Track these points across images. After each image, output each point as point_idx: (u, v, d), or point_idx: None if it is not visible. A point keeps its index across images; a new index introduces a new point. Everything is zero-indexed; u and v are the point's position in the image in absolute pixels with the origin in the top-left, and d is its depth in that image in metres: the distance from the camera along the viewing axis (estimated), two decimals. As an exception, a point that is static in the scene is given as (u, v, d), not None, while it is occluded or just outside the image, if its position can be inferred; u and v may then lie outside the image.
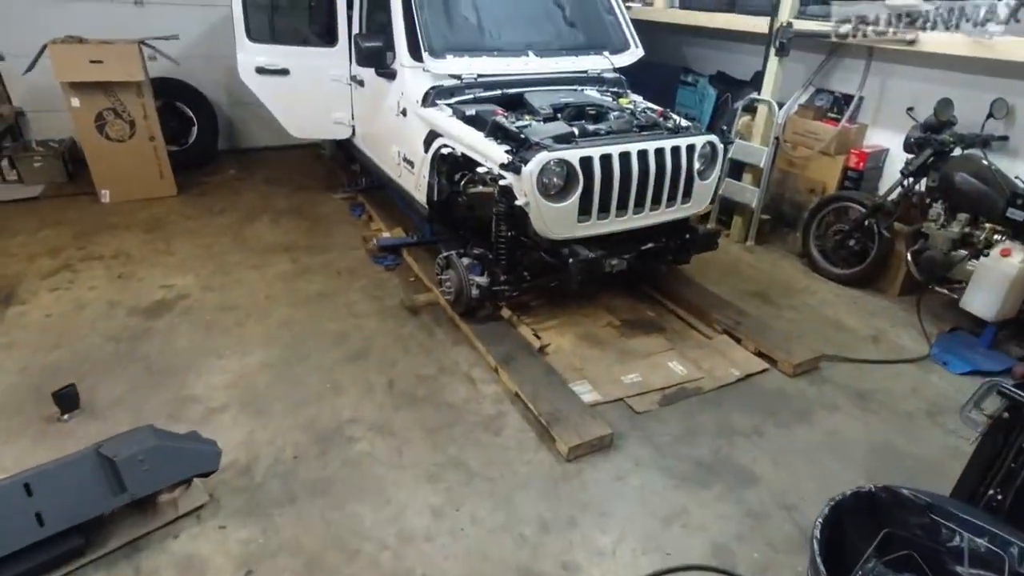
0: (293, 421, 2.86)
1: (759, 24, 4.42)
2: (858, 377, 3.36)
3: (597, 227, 3.21)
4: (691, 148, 3.36)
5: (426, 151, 3.74)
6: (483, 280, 3.47)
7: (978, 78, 3.89)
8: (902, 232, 4.14)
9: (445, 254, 3.61)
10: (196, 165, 6.13)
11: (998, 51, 3.25)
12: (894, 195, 4.00)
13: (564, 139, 3.14)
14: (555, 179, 3.08)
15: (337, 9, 4.59)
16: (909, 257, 3.85)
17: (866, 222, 4.10)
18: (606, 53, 4.16)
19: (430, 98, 3.66)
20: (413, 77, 3.81)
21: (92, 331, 3.48)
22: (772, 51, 4.38)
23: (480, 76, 3.75)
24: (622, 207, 3.24)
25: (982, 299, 3.35)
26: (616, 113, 3.54)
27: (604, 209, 3.18)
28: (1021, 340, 3.54)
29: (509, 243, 3.43)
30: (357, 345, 3.47)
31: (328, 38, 4.72)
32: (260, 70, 4.64)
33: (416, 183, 3.96)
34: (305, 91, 4.78)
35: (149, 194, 5.36)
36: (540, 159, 2.92)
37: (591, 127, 3.27)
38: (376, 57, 3.85)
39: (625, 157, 3.13)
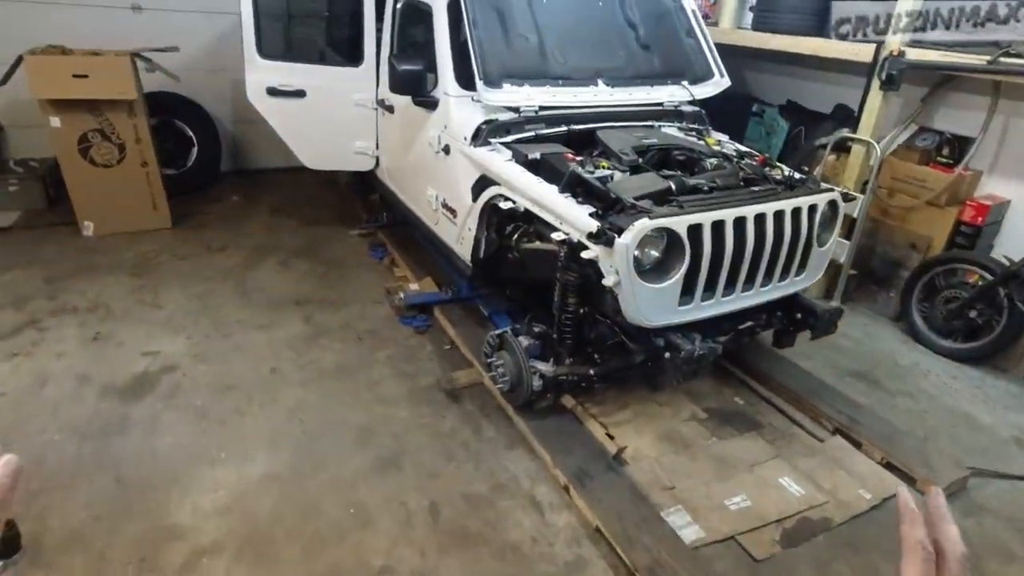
0: (306, 571, 2.15)
1: (860, 52, 3.76)
2: (1016, 501, 2.67)
3: (700, 311, 2.52)
4: (812, 209, 2.68)
5: (474, 199, 3.05)
6: (548, 368, 2.77)
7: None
8: (1039, 305, 3.47)
9: (498, 332, 2.91)
10: (195, 189, 5.45)
11: None
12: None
13: (659, 197, 2.46)
14: (653, 251, 2.39)
15: (364, 23, 3.92)
16: (1058, 341, 3.16)
17: (995, 291, 3.42)
18: (685, 83, 3.49)
19: (482, 135, 2.98)
20: (460, 109, 3.13)
21: (52, 421, 2.77)
22: (875, 83, 3.71)
23: (542, 109, 3.08)
24: (730, 284, 2.55)
25: None
26: (713, 160, 2.86)
27: (710, 288, 2.50)
28: None
29: (577, 320, 2.74)
30: (387, 446, 2.76)
31: (352, 56, 4.06)
32: (272, 91, 3.97)
33: (459, 235, 3.27)
34: (323, 116, 4.11)
35: (139, 227, 4.66)
36: (640, 228, 2.24)
37: (690, 181, 2.59)
38: (415, 83, 3.17)
39: (739, 223, 2.45)
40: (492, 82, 2.96)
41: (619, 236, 2.25)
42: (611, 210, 2.37)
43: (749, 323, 2.88)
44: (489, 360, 2.94)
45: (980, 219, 3.71)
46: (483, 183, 2.97)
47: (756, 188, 2.65)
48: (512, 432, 2.89)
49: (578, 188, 2.51)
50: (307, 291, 4.05)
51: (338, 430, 2.83)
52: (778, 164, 3.01)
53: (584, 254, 2.37)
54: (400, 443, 2.79)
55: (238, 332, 3.55)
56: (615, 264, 2.30)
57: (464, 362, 3.38)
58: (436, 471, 2.64)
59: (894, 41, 3.59)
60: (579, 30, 3.34)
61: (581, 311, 2.73)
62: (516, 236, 3.04)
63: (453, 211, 3.27)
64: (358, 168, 4.40)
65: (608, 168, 2.77)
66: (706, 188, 2.57)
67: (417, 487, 2.55)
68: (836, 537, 2.43)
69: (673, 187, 2.53)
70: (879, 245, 4.16)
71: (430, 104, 3.29)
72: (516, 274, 3.18)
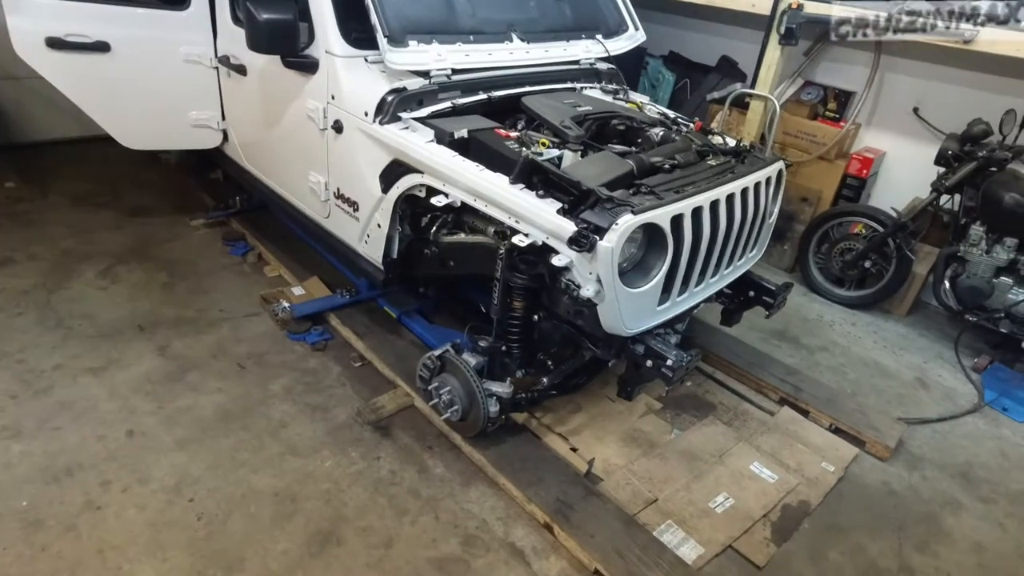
0: None
1: (758, 4, 3.64)
2: (942, 446, 2.85)
3: (677, 307, 2.25)
4: (767, 182, 2.49)
5: (385, 190, 2.44)
6: (505, 389, 2.35)
7: (996, 79, 3.48)
8: (920, 252, 3.74)
9: (437, 353, 2.40)
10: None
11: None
12: (916, 211, 3.53)
13: (623, 183, 2.10)
14: (632, 251, 2.04)
15: (187, -50, 2.95)
16: (947, 284, 3.42)
17: (887, 241, 3.61)
18: (599, 36, 3.10)
19: (388, 109, 2.35)
20: (352, 74, 2.45)
21: None
22: (774, 37, 3.63)
23: (454, 72, 2.51)
24: (702, 273, 2.29)
25: (1055, 342, 2.98)
26: (657, 131, 2.54)
27: (685, 282, 2.22)
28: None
29: (528, 326, 2.34)
30: (318, 514, 2.18)
31: (173, -4, 3.06)
32: (55, 43, 2.88)
33: (363, 233, 2.64)
34: (140, 79, 3.10)
35: None
36: (625, 226, 1.86)
37: (649, 158, 2.25)
38: (285, 39, 2.40)
39: (713, 207, 2.17)
40: (396, 38, 2.32)
41: (601, 238, 1.86)
42: (581, 204, 1.96)
43: (699, 305, 2.69)
44: (429, 387, 2.43)
45: (865, 172, 3.88)
46: (397, 170, 2.38)
47: (712, 163, 2.39)
48: (465, 464, 2.45)
49: (534, 177, 2.04)
50: (151, 310, 3.14)
51: (247, 506, 2.18)
52: (714, 130, 2.78)
53: (555, 260, 1.95)
54: (333, 506, 2.22)
55: (60, 383, 2.62)
56: (596, 271, 1.91)
57: (383, 382, 2.83)
58: (389, 536, 2.13)
59: (792, -8, 3.50)
60: (485, -27, 2.77)
61: (534, 317, 2.32)
62: (435, 228, 2.51)
63: (353, 203, 2.62)
64: (199, 146, 3.45)
65: (551, 146, 2.33)
66: (667, 167, 2.25)
67: (371, 563, 2.03)
68: (819, 521, 2.38)
69: (635, 167, 2.18)
70: (771, 199, 4.22)
71: (306, 66, 2.55)
72: (435, 270, 2.66)
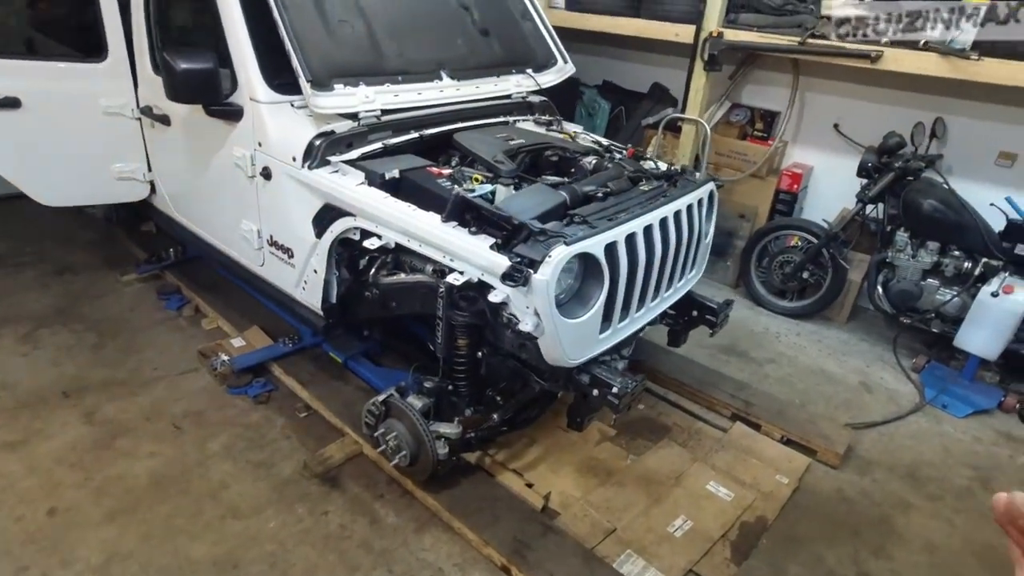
0: None
1: (681, 33, 3.78)
2: (889, 448, 2.92)
3: (618, 334, 2.25)
4: (700, 204, 2.55)
5: (319, 235, 2.39)
6: (453, 430, 2.29)
7: (904, 94, 3.70)
8: (854, 260, 3.89)
9: (381, 398, 2.33)
10: None
11: (980, 74, 2.96)
12: (844, 222, 3.67)
13: (556, 214, 2.11)
14: (569, 281, 2.04)
15: (102, 5, 2.86)
16: (880, 290, 3.55)
17: (821, 252, 3.74)
18: (529, 70, 3.15)
19: (317, 153, 2.31)
20: (278, 119, 2.41)
21: None
22: (699, 64, 3.77)
23: (383, 112, 2.50)
24: (642, 298, 2.31)
25: (982, 338, 3.12)
26: (590, 160, 2.58)
27: (625, 307, 2.23)
28: (987, 366, 3.43)
29: (473, 364, 2.31)
30: (262, 582, 2.06)
31: (90, 48, 2.97)
32: (-39, 103, 2.75)
33: (300, 279, 2.57)
34: (56, 133, 2.99)
35: None
36: (559, 258, 1.85)
37: (582, 188, 2.27)
38: (205, 88, 2.35)
39: (647, 232, 2.20)
40: (320, 83, 2.29)
41: (535, 272, 1.85)
42: (514, 239, 1.95)
43: (646, 327, 2.71)
44: (375, 434, 2.35)
45: (796, 186, 4.04)
46: (329, 214, 2.33)
47: (645, 188, 2.43)
48: (418, 510, 2.37)
49: (467, 214, 2.03)
50: (77, 374, 2.96)
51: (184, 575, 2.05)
52: (647, 155, 2.84)
53: (492, 297, 1.92)
54: (280, 569, 2.10)
55: (-22, 462, 2.43)
56: (533, 305, 1.90)
57: (331, 431, 2.73)
58: (340, 598, 2.03)
59: (711, 22, 3.66)
60: (409, 13, 2.78)
61: (478, 354, 2.29)
62: (374, 270, 2.46)
63: (287, 250, 2.55)
64: (125, 199, 3.33)
65: (484, 181, 2.33)
66: (600, 195, 2.27)
67: (321, 632, 1.92)
68: (777, 535, 2.39)
69: (567, 198, 2.19)
70: (711, 217, 4.34)
71: (230, 114, 2.49)
72: (377, 312, 2.61)
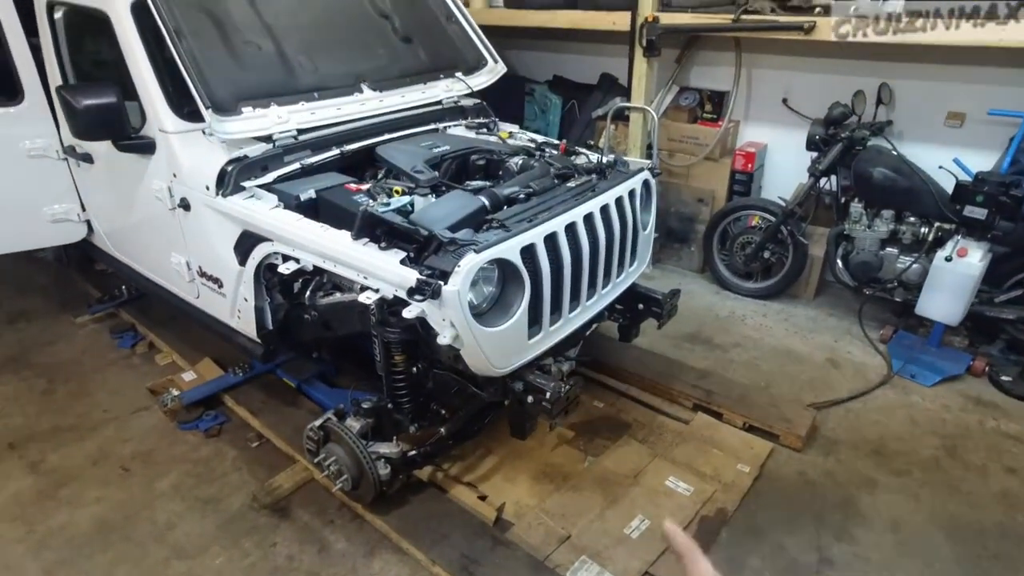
0: None
1: (618, 21, 3.72)
2: (855, 425, 2.86)
3: (551, 337, 2.19)
4: (632, 194, 2.49)
5: (242, 262, 2.34)
6: (392, 450, 2.24)
7: (845, 62, 3.64)
8: (813, 235, 3.83)
9: (319, 422, 2.28)
10: None
11: (920, 38, 2.88)
12: (800, 197, 3.61)
13: (474, 220, 2.05)
14: (488, 288, 1.98)
15: (8, 42, 2.80)
16: (840, 264, 3.49)
17: (780, 230, 3.68)
18: (459, 74, 3.09)
19: (230, 180, 2.26)
20: (190, 148, 2.36)
21: None
22: (639, 51, 3.71)
23: (301, 132, 2.44)
24: (574, 298, 2.25)
25: (942, 303, 3.06)
26: (517, 160, 2.52)
27: (555, 309, 2.17)
28: (955, 331, 3.37)
29: (412, 379, 2.25)
30: (203, 625, 2.01)
31: (4, 90, 2.91)
32: None
33: (233, 309, 2.52)
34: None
35: None
36: (468, 267, 1.80)
37: (503, 191, 2.21)
38: (108, 123, 2.29)
39: (571, 230, 2.14)
40: (225, 108, 2.23)
41: (445, 283, 1.79)
42: (425, 251, 1.89)
43: (593, 324, 2.65)
44: (317, 460, 2.30)
45: (750, 165, 3.97)
46: (249, 240, 2.27)
47: (572, 184, 2.38)
48: (368, 533, 2.32)
49: (378, 230, 1.97)
50: (24, 424, 2.91)
51: (122, 631, 1.99)
52: (580, 149, 2.78)
53: (406, 313, 1.87)
54: (222, 611, 2.05)
55: (-82, 525, 2.38)
56: (448, 316, 1.84)
57: (282, 458, 2.67)
58: (284, 634, 1.98)
59: (646, 8, 3.60)
60: (322, 28, 2.73)
61: (414, 369, 2.23)
62: (309, 292, 2.40)
63: (216, 280, 2.50)
64: (63, 241, 3.28)
65: (404, 193, 2.27)
66: (522, 196, 2.22)
67: (262, 672, 1.87)
68: (737, 527, 2.33)
69: (487, 203, 2.13)
70: (671, 205, 4.28)
71: (142, 147, 2.44)
72: (319, 334, 2.55)
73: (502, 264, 1.92)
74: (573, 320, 2.28)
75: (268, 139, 2.37)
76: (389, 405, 2.30)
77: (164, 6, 2.18)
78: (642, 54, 3.71)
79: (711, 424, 2.83)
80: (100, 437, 2.83)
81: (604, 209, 2.30)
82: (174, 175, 2.40)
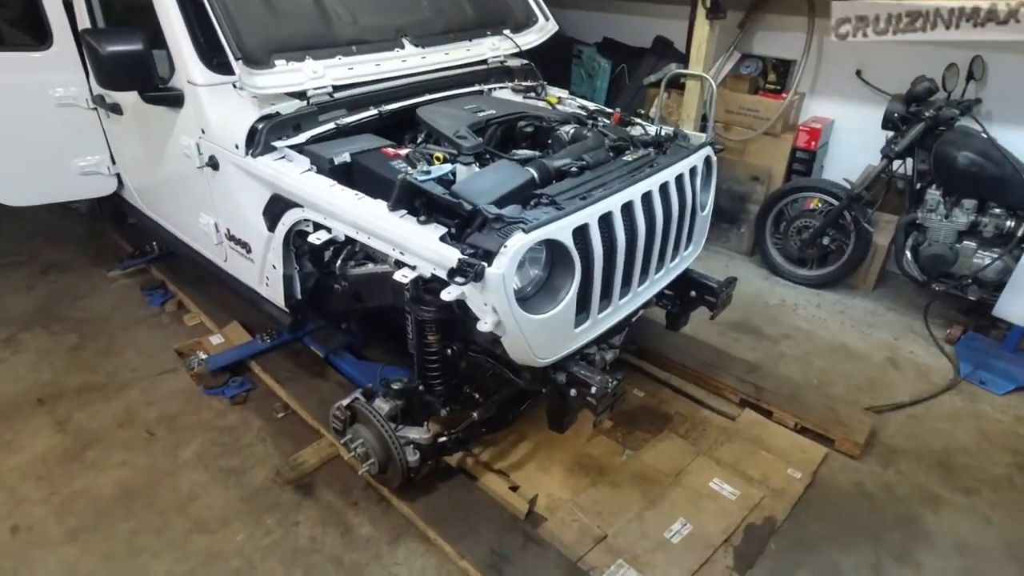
0: None
1: (680, -23, 3.41)
2: (918, 433, 2.65)
3: (599, 325, 2.02)
4: (693, 172, 2.26)
5: (271, 228, 2.20)
6: (423, 435, 2.12)
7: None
8: (879, 222, 3.54)
9: (346, 402, 2.17)
10: None
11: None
12: (868, 180, 3.31)
13: (521, 195, 1.86)
14: (535, 271, 1.80)
15: (39, -17, 2.66)
16: (909, 255, 3.21)
17: (843, 215, 3.40)
18: (507, 31, 2.86)
19: (260, 138, 2.10)
20: (219, 103, 2.20)
21: None
22: (701, 12, 3.40)
23: (337, 89, 2.26)
24: (625, 283, 2.06)
25: (1026, 306, 2.78)
26: (568, 129, 2.30)
27: (605, 295, 1.99)
28: (1034, 333, 3.09)
29: (446, 360, 2.11)
30: (222, 605, 1.94)
31: (33, 34, 2.79)
32: None
33: (261, 275, 2.40)
34: (6, 129, 2.82)
35: None
36: (516, 248, 1.62)
37: (554, 162, 2.01)
38: (134, 73, 2.14)
39: (627, 210, 1.94)
40: (256, 60, 2.06)
41: (489, 265, 1.62)
42: (468, 227, 1.72)
43: (639, 311, 2.46)
44: (343, 440, 2.19)
45: (814, 143, 3.67)
46: (278, 205, 2.13)
47: (628, 158, 2.16)
48: (394, 518, 2.22)
49: (416, 201, 1.81)
50: (54, 380, 2.88)
51: (141, 603, 1.94)
52: (635, 119, 2.55)
53: (444, 295, 1.71)
54: (242, 591, 1.98)
55: (-56, 476, 2.36)
56: (490, 301, 1.68)
57: (308, 432, 2.59)
58: (304, 621, 1.90)
59: (713, -38, 3.28)
60: (364, -27, 2.52)
61: (449, 351, 2.09)
62: (339, 261, 2.26)
63: (245, 244, 2.37)
64: (93, 195, 3.19)
65: (445, 160, 2.08)
66: (575, 170, 2.01)
67: (281, 660, 1.80)
68: (786, 538, 2.16)
69: (536, 176, 1.94)
70: (723, 182, 4.00)
71: (170, 99, 2.29)
72: (349, 305, 2.43)
73: (552, 245, 1.74)
74: (623, 307, 2.10)
75: (301, 95, 2.20)
76: (420, 386, 2.17)
77: (195, -56, 1.99)
78: (704, 16, 3.40)
79: (759, 423, 2.65)
80: (126, 398, 2.78)
81: (663, 188, 2.09)
82: (202, 131, 2.25)
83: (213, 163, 2.26)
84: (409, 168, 2.00)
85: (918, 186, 3.16)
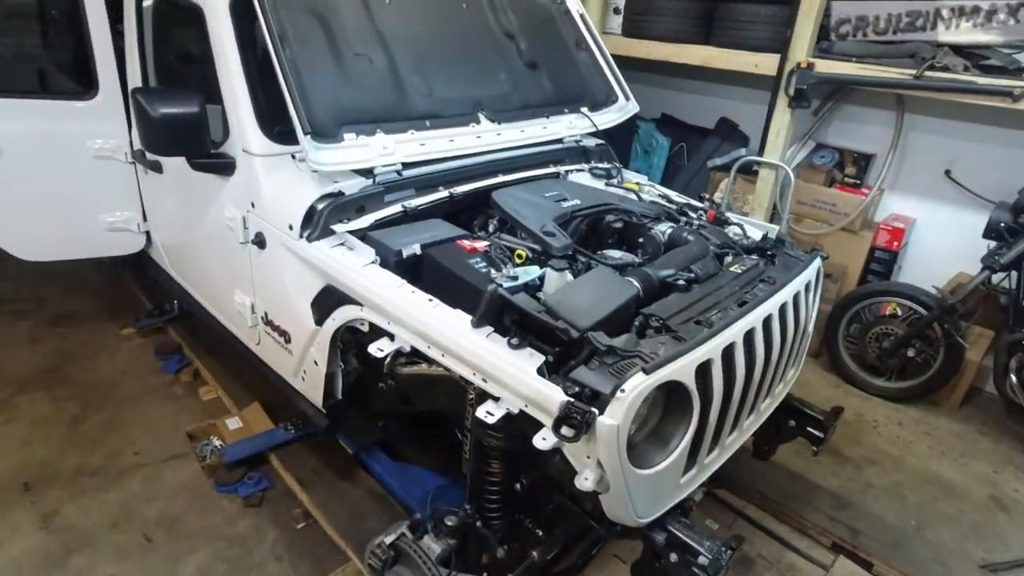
0: None
1: (761, 64, 3.22)
2: (1045, 601, 2.25)
3: (705, 472, 1.68)
4: (807, 288, 1.97)
5: (320, 322, 1.90)
6: (480, 589, 1.76)
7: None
8: (971, 335, 3.21)
9: (389, 539, 1.81)
10: None
11: None
12: (966, 292, 3.01)
13: (626, 314, 1.56)
14: (647, 416, 1.48)
15: (91, 30, 2.47)
16: (1014, 379, 2.87)
17: (931, 325, 3.09)
18: (584, 109, 2.64)
19: (318, 220, 1.83)
20: (275, 176, 1.95)
21: None
22: (782, 99, 3.20)
23: (405, 166, 2.01)
24: (736, 419, 1.74)
25: None
26: (663, 228, 2.03)
27: (716, 436, 1.66)
28: None
29: (509, 492, 1.77)
30: None
31: (80, 81, 2.59)
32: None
33: (298, 368, 2.09)
34: (38, 181, 2.60)
35: None
36: (635, 392, 1.31)
37: (659, 272, 1.72)
38: (186, 137, 1.90)
39: (748, 338, 1.64)
40: (325, 133, 1.82)
41: (601, 412, 1.30)
42: (572, 356, 1.41)
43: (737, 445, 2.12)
44: (382, 583, 1.83)
45: (896, 244, 3.39)
46: (331, 298, 1.84)
47: (738, 270, 1.87)
48: None
49: (507, 317, 1.51)
50: (47, 459, 2.54)
51: None
52: (728, 216, 2.28)
53: (538, 442, 1.38)
54: None
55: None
56: (595, 455, 1.35)
57: (331, 550, 2.22)
58: None
59: (799, 51, 3.09)
60: (442, 43, 2.31)
61: (517, 485, 1.75)
62: (390, 359, 1.95)
63: (284, 333, 2.07)
64: (118, 252, 2.94)
65: (528, 260, 1.80)
66: (682, 283, 1.72)
67: None
68: None
69: (640, 290, 1.65)
70: (788, 274, 3.71)
71: (220, 167, 2.04)
72: (395, 407, 2.11)
73: (670, 386, 1.43)
74: (730, 447, 1.77)
75: (367, 172, 1.94)
76: (476, 520, 1.82)
77: (270, 5, 1.78)
78: (787, 104, 3.19)
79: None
80: (125, 489, 2.43)
81: (782, 309, 1.79)
82: (252, 205, 1.99)
83: (260, 241, 1.99)
84: (486, 266, 1.72)
85: (1022, 301, 2.85)
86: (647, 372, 1.34)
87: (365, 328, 1.81)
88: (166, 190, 2.56)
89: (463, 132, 2.19)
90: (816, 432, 2.13)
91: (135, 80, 2.48)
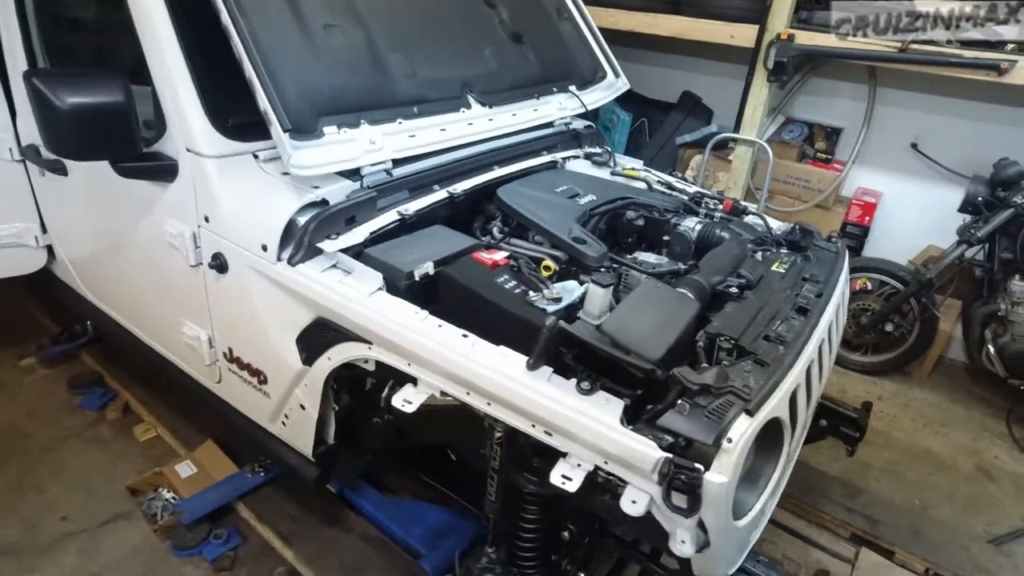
0: None
1: (738, 35, 3.06)
2: (1048, 570, 2.31)
3: (773, 503, 1.51)
4: (845, 283, 1.83)
5: (308, 361, 1.55)
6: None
7: (1010, 110, 3.05)
8: (945, 306, 3.27)
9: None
10: None
11: None
12: (942, 266, 3.04)
13: (690, 337, 1.35)
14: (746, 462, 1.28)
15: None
16: (991, 349, 2.93)
17: (908, 300, 3.11)
18: (573, 88, 2.36)
19: (302, 239, 1.46)
20: (237, 183, 1.55)
21: None
22: (760, 73, 3.06)
23: (395, 163, 1.67)
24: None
25: None
26: (692, 224, 1.81)
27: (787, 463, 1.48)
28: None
29: (543, 536, 1.54)
30: None
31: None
32: None
33: (277, 412, 1.73)
34: None
35: None
36: (744, 439, 1.09)
37: (710, 279, 1.51)
38: (111, 138, 1.46)
39: (819, 351, 1.46)
40: (304, 127, 1.44)
41: (707, 468, 1.08)
42: (653, 400, 1.18)
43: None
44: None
45: (868, 219, 3.39)
46: (325, 335, 1.49)
47: (780, 269, 1.70)
48: None
49: (567, 354, 1.24)
50: (-53, 541, 2.03)
51: None
52: (748, 207, 2.10)
53: (628, 506, 1.14)
54: None
55: None
56: (706, 517, 1.13)
57: (326, 615, 1.91)
58: None
59: (778, 22, 2.94)
60: (421, 13, 1.95)
61: (566, 532, 1.52)
62: (387, 391, 1.64)
63: (257, 373, 1.70)
64: (12, 272, 2.38)
65: (557, 272, 1.54)
66: (734, 290, 1.52)
67: None
68: None
69: (697, 303, 1.43)
70: (760, 252, 3.66)
71: (156, 172, 1.61)
72: (390, 442, 1.81)
73: (772, 425, 1.22)
74: (788, 473, 1.61)
75: (353, 173, 1.59)
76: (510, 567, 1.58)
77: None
78: (766, 77, 3.06)
79: (883, 567, 2.22)
80: (57, 568, 1.98)
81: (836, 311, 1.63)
82: (205, 218, 1.58)
83: (219, 264, 1.59)
84: (517, 284, 1.44)
85: (999, 275, 2.90)
86: (751, 413, 1.12)
87: (369, 366, 1.49)
88: (74, 196, 2.05)
89: (454, 119, 1.86)
90: (850, 432, 2.03)
91: (18, 60, 1.94)
